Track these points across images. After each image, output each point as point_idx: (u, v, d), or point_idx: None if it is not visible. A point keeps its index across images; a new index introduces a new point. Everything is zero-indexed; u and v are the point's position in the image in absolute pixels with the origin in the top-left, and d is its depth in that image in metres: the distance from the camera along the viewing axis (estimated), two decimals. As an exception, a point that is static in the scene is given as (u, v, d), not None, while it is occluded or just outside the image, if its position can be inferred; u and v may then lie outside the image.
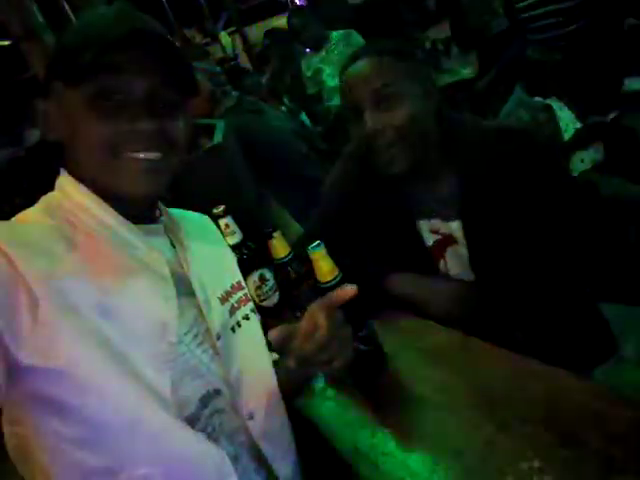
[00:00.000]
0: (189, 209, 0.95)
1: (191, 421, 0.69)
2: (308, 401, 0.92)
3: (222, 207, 1.09)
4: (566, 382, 0.78)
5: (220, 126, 1.59)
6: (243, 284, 0.92)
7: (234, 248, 1.07)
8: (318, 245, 0.81)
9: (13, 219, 0.68)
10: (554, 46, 2.08)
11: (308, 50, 3.43)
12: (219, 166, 1.55)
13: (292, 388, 0.89)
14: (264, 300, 1.19)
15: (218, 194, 1.22)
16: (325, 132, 3.00)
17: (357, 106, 1.00)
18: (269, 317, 1.11)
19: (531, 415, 0.73)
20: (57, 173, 0.75)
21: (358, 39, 3.23)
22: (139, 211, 0.76)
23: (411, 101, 0.99)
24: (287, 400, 0.86)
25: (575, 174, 1.87)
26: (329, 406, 0.90)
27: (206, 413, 0.72)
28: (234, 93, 2.18)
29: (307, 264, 0.86)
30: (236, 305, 0.85)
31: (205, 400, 0.72)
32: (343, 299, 0.68)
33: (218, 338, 0.77)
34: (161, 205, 0.83)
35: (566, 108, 2.05)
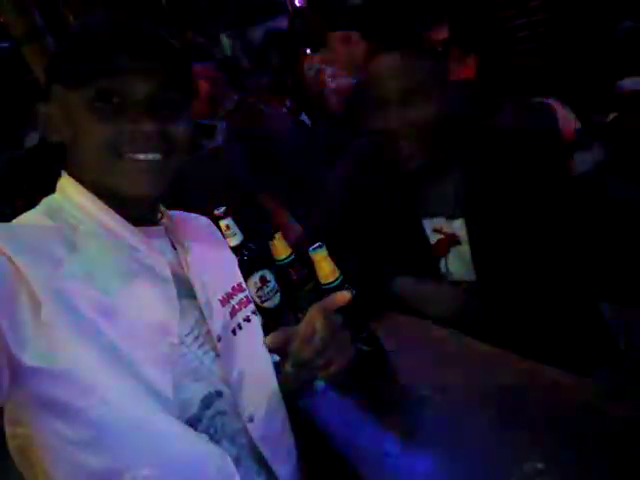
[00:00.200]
0: (190, 210, 0.95)
1: (193, 422, 0.69)
2: (309, 402, 0.92)
3: (223, 208, 1.09)
4: (567, 383, 0.78)
5: (221, 128, 1.60)
6: (244, 286, 0.92)
7: (235, 249, 1.07)
8: (319, 246, 0.81)
9: (14, 221, 0.69)
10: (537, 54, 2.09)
11: (309, 51, 3.43)
12: (220, 167, 1.55)
13: (292, 390, 0.88)
14: (265, 301, 1.19)
15: (219, 195, 1.22)
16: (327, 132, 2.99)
17: (381, 99, 1.02)
18: (270, 319, 1.11)
19: (533, 416, 0.73)
20: (58, 175, 0.75)
21: (359, 39, 3.23)
22: (140, 213, 0.76)
23: (435, 101, 1.00)
24: (288, 402, 0.86)
25: (576, 175, 1.87)
26: (330, 407, 0.90)
27: (208, 414, 0.72)
28: (234, 94, 2.18)
29: (308, 265, 0.86)
30: (237, 307, 0.85)
31: (207, 401, 0.72)
32: (341, 303, 0.68)
33: (219, 340, 0.77)
34: (162, 207, 0.83)
35: (566, 108, 2.05)
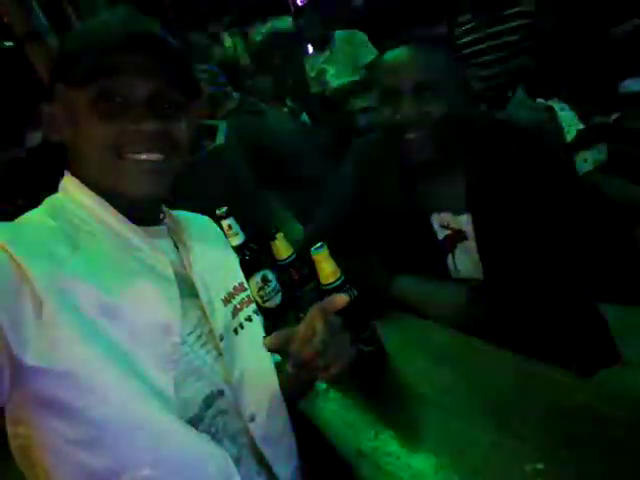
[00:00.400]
0: (191, 210, 0.96)
1: (195, 422, 0.69)
2: (310, 402, 0.93)
3: (224, 208, 1.09)
4: (568, 384, 0.78)
5: (222, 127, 1.60)
6: (246, 285, 0.92)
7: (236, 249, 1.08)
8: (321, 247, 0.81)
9: (17, 220, 0.69)
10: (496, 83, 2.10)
11: (311, 50, 3.43)
12: (221, 167, 1.55)
13: (294, 391, 0.89)
14: (267, 301, 1.19)
15: (220, 195, 1.22)
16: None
17: (393, 91, 1.02)
18: (272, 318, 1.11)
19: (533, 417, 0.73)
20: (60, 175, 0.75)
21: (363, 39, 3.23)
22: (143, 213, 0.76)
23: (447, 96, 1.00)
24: (289, 402, 0.86)
25: (578, 175, 1.87)
26: (331, 407, 0.90)
27: (210, 414, 0.72)
28: (236, 94, 2.18)
29: (310, 265, 0.86)
30: (239, 306, 0.85)
31: (209, 401, 0.72)
32: (340, 306, 0.68)
33: (221, 339, 0.77)
34: (164, 207, 0.83)
35: (568, 109, 2.05)
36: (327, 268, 0.83)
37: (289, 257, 1.09)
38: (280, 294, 1.21)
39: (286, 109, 3.16)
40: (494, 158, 1.04)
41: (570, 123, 2.02)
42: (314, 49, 3.40)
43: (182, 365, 0.70)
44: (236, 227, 1.12)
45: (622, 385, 0.95)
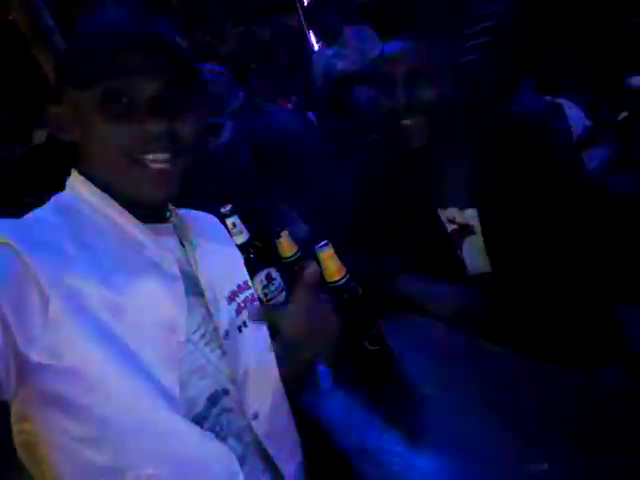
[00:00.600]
0: (196, 208, 0.96)
1: (199, 420, 0.69)
2: (314, 401, 0.92)
3: (229, 206, 1.09)
4: (573, 382, 0.77)
5: (227, 125, 1.60)
6: (250, 284, 0.92)
7: (241, 247, 1.07)
8: (325, 245, 0.81)
9: (24, 218, 0.69)
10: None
11: (316, 47, 3.42)
12: (226, 165, 1.55)
13: (290, 377, 0.87)
14: (271, 299, 1.19)
15: (225, 193, 1.22)
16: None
17: (391, 81, 1.06)
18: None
19: (540, 416, 0.73)
20: (67, 173, 0.75)
21: (372, 34, 3.22)
22: (149, 211, 0.76)
23: (443, 80, 1.04)
24: (291, 397, 0.86)
25: (586, 172, 1.85)
26: (336, 406, 0.90)
27: (214, 412, 0.72)
28: (241, 93, 2.18)
29: (316, 263, 0.86)
30: (242, 305, 0.85)
31: (213, 399, 0.72)
32: (315, 278, 0.70)
33: (225, 337, 0.77)
34: (170, 205, 0.83)
35: (576, 107, 2.03)
36: (332, 266, 0.83)
37: (294, 255, 1.09)
38: (284, 292, 1.21)
39: (291, 107, 3.16)
40: (499, 151, 1.04)
41: (577, 121, 2.01)
42: (324, 43, 3.39)
43: (187, 364, 0.70)
44: (240, 225, 1.12)
45: (629, 384, 0.94)
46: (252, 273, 1.05)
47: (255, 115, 2.03)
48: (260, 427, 0.77)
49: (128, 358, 0.62)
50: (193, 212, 0.93)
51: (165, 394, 0.64)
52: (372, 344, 0.91)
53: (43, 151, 2.43)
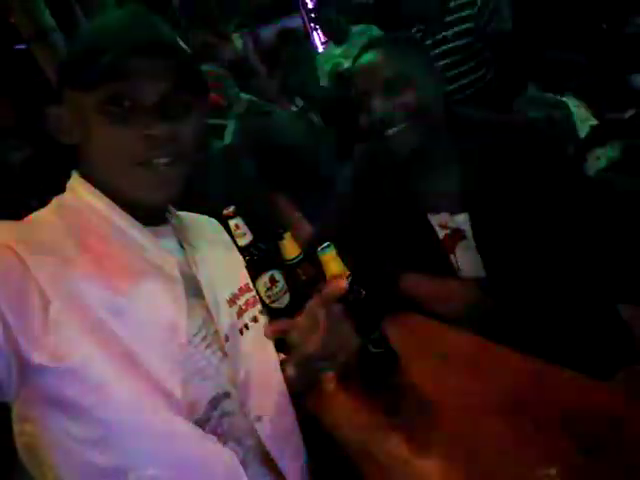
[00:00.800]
0: (199, 210, 0.95)
1: (201, 423, 0.69)
2: (319, 403, 0.92)
3: (232, 208, 1.09)
4: (585, 386, 0.76)
5: (230, 127, 1.59)
6: (251, 286, 0.92)
7: (244, 249, 1.07)
8: (328, 247, 0.81)
9: (25, 220, 0.69)
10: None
11: (320, 48, 3.43)
12: (229, 167, 1.55)
13: (298, 387, 0.87)
14: (274, 302, 1.18)
15: (228, 195, 1.22)
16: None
17: (366, 94, 1.06)
18: (280, 319, 1.10)
19: (548, 420, 0.71)
20: (67, 175, 0.75)
21: (379, 33, 3.22)
22: (149, 213, 0.76)
23: (418, 87, 1.04)
24: (296, 400, 0.86)
25: (591, 172, 1.84)
26: (340, 408, 0.89)
27: (215, 415, 0.72)
28: (244, 96, 2.17)
29: (318, 265, 0.85)
30: (244, 307, 0.85)
31: (215, 402, 0.72)
32: (339, 292, 0.68)
33: (226, 340, 0.77)
34: (170, 207, 0.83)
35: (583, 106, 2.02)
36: (334, 268, 0.82)
37: (297, 257, 1.08)
38: (288, 294, 1.20)
39: (295, 109, 3.16)
40: (489, 156, 1.04)
41: (584, 119, 2.00)
42: (330, 42, 3.41)
43: (188, 366, 0.70)
44: (243, 227, 1.11)
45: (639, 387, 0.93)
46: (256, 275, 1.05)
47: (258, 116, 2.03)
48: (263, 429, 0.76)
49: (129, 359, 0.62)
50: (194, 215, 0.93)
51: (167, 396, 0.64)
52: (375, 347, 0.90)
53: (44, 153, 2.44)
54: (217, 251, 0.88)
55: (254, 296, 0.90)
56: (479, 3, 2.10)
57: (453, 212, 1.10)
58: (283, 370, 0.86)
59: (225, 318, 0.79)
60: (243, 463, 0.71)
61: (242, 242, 1.10)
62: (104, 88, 0.66)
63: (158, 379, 0.64)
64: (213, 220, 0.99)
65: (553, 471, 0.63)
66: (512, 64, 2.26)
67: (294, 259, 1.08)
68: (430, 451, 0.74)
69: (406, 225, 1.15)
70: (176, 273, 0.73)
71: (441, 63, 2.20)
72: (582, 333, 1.01)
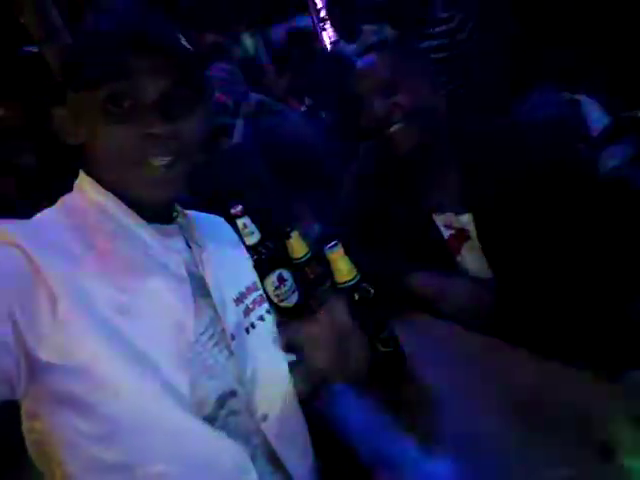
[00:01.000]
0: (207, 209, 0.95)
1: (209, 421, 0.69)
2: (327, 403, 0.91)
3: (240, 207, 1.09)
4: (597, 386, 0.75)
5: (239, 126, 1.60)
6: (258, 285, 0.91)
7: (252, 248, 1.07)
8: (335, 245, 0.80)
9: (33, 218, 0.70)
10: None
11: (331, 44, 3.43)
12: (238, 166, 1.55)
13: (305, 395, 0.87)
14: (283, 300, 1.18)
15: (236, 194, 1.22)
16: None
17: (366, 96, 1.09)
18: (289, 317, 1.10)
19: (560, 420, 0.70)
20: (75, 174, 0.76)
21: (391, 32, 3.21)
22: (156, 212, 0.76)
23: (416, 87, 1.08)
24: (303, 402, 0.85)
25: (605, 170, 1.81)
26: (349, 409, 0.88)
27: (222, 414, 0.71)
28: (253, 96, 2.17)
29: (326, 264, 0.85)
30: (251, 306, 0.85)
31: (222, 401, 0.72)
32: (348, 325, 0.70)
33: (233, 339, 0.76)
34: (177, 206, 0.83)
35: (595, 104, 1.99)
36: (342, 267, 0.82)
37: (305, 256, 1.08)
38: (297, 293, 1.20)
39: (304, 108, 3.16)
40: (491, 156, 1.05)
41: (598, 118, 1.97)
42: (343, 41, 3.41)
43: (195, 364, 0.70)
44: (251, 226, 1.11)
45: None
46: (264, 274, 1.04)
47: (267, 116, 2.03)
48: (269, 429, 0.76)
49: (136, 357, 0.62)
50: (201, 214, 0.93)
51: (175, 393, 0.64)
52: (385, 346, 0.90)
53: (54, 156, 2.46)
54: (224, 250, 0.88)
55: (261, 295, 0.90)
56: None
57: (457, 212, 1.11)
58: (291, 371, 0.85)
59: (232, 317, 0.79)
60: (251, 461, 0.71)
61: (250, 241, 1.10)
62: (106, 87, 0.66)
63: (166, 377, 0.64)
64: (220, 218, 0.99)
65: (564, 472, 0.62)
66: (514, 63, 2.23)
67: (302, 258, 1.08)
68: (440, 451, 0.73)
69: (411, 224, 1.15)
70: (183, 272, 0.73)
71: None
72: (592, 332, 1.00)
